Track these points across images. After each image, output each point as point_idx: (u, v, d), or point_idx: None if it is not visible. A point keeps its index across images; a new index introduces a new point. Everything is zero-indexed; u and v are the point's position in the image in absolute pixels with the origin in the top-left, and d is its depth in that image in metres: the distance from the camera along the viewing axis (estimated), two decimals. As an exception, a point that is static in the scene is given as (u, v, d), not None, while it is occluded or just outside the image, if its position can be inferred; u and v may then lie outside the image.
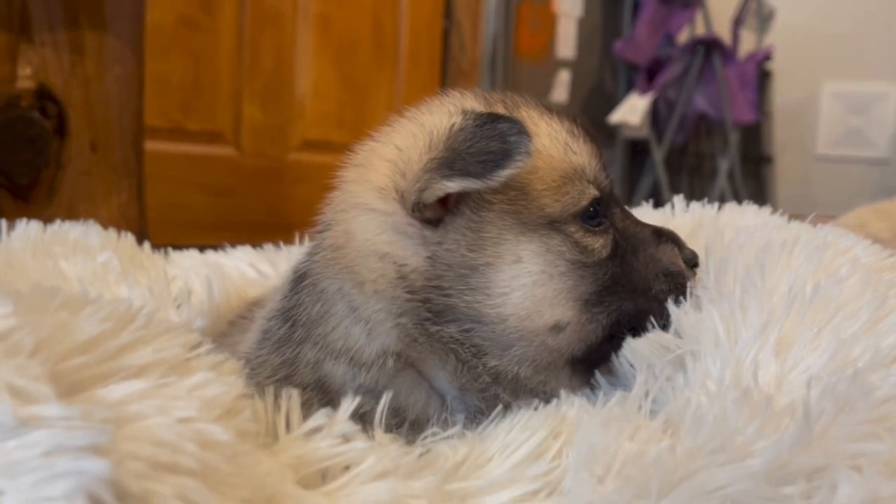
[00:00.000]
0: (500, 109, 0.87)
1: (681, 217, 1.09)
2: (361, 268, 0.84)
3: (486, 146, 0.76)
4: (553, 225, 0.82)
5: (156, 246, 1.42)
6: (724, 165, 4.48)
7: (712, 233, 0.93)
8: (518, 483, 0.67)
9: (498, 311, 0.80)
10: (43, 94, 1.82)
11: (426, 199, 0.79)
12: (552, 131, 0.86)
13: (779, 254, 0.81)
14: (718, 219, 1.05)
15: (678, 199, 1.12)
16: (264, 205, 3.66)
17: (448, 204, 0.82)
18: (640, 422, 0.71)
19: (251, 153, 3.72)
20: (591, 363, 0.84)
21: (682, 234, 1.02)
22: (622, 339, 0.83)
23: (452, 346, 0.82)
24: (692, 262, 0.88)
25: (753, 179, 4.90)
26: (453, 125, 0.79)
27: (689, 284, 0.86)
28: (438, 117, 0.83)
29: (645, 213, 1.16)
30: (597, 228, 0.84)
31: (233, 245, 1.44)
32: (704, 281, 0.84)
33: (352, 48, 3.98)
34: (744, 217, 1.04)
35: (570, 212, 0.83)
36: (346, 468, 0.66)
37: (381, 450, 0.69)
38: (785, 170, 4.97)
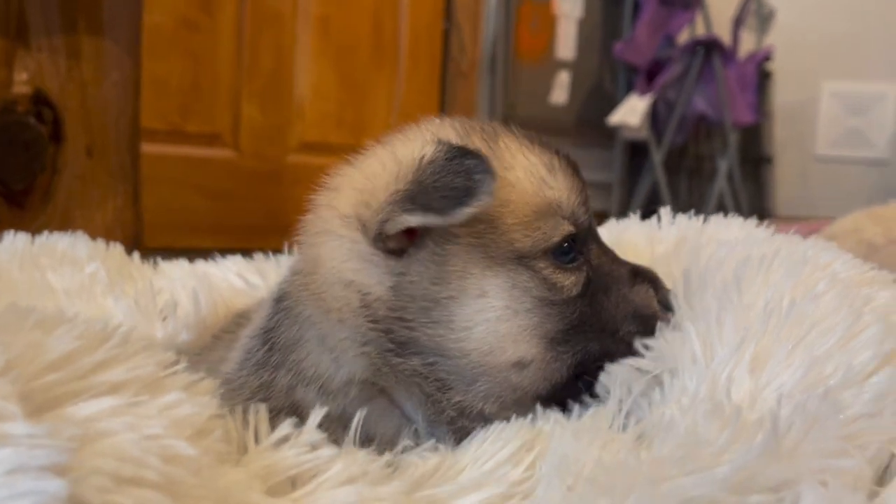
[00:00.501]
0: (478, 140, 0.85)
1: (667, 229, 1.09)
2: (328, 295, 0.83)
3: (451, 182, 0.75)
4: (522, 260, 0.81)
5: (147, 253, 1.42)
6: (723, 166, 4.47)
7: (694, 247, 0.93)
8: (488, 486, 0.68)
9: (460, 345, 0.79)
10: (39, 100, 1.83)
11: (388, 230, 0.78)
12: (529, 164, 0.84)
13: (757, 269, 0.81)
14: (703, 232, 1.04)
15: (665, 211, 1.12)
16: (263, 207, 3.68)
17: (413, 235, 0.80)
18: (613, 434, 0.71)
19: (250, 155, 3.72)
20: (559, 401, 0.83)
21: (667, 248, 1.03)
22: (591, 380, 0.82)
23: (416, 379, 0.81)
24: (667, 304, 0.86)
25: (753, 180, 4.89)
26: (423, 157, 0.78)
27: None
28: (411, 147, 0.82)
29: (632, 226, 1.16)
30: (569, 265, 0.83)
31: (223, 253, 1.43)
32: (681, 296, 0.84)
33: (352, 49, 3.99)
34: (728, 230, 1.04)
35: (541, 247, 0.81)
36: (315, 476, 0.66)
37: (349, 457, 0.70)
38: (785, 170, 4.96)
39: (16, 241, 1.23)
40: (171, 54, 3.40)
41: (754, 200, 4.76)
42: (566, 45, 4.74)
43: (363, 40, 4.02)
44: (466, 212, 0.74)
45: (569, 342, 0.81)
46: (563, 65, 4.78)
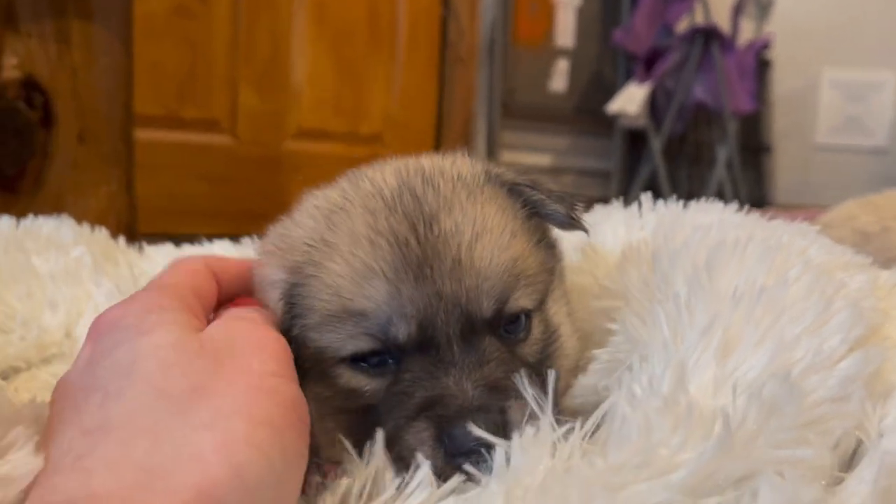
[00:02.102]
0: (324, 226, 0.81)
1: (647, 215, 1.09)
2: None
3: None
4: (322, 365, 0.78)
5: (144, 239, 1.42)
6: (722, 154, 4.46)
7: (669, 231, 0.92)
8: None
9: None
10: (29, 85, 1.83)
11: None
12: (338, 266, 0.78)
13: (730, 254, 0.81)
14: (682, 217, 1.04)
15: (646, 198, 1.12)
16: (261, 193, 3.67)
17: None
18: (561, 436, 0.67)
19: (247, 141, 3.72)
20: None
21: (645, 233, 1.02)
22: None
23: None
24: (451, 450, 0.70)
25: (753, 169, 4.88)
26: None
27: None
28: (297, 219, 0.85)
29: (614, 212, 1.15)
30: (372, 369, 0.77)
31: (221, 236, 1.44)
32: (653, 282, 0.84)
33: (348, 34, 3.98)
34: (707, 215, 1.03)
35: (337, 356, 0.77)
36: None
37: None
38: (784, 159, 4.95)
39: (1, 225, 1.23)
40: (167, 40, 3.40)
41: (754, 189, 4.75)
42: (565, 32, 4.72)
43: (360, 26, 4.01)
44: None
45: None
46: (562, 52, 4.76)
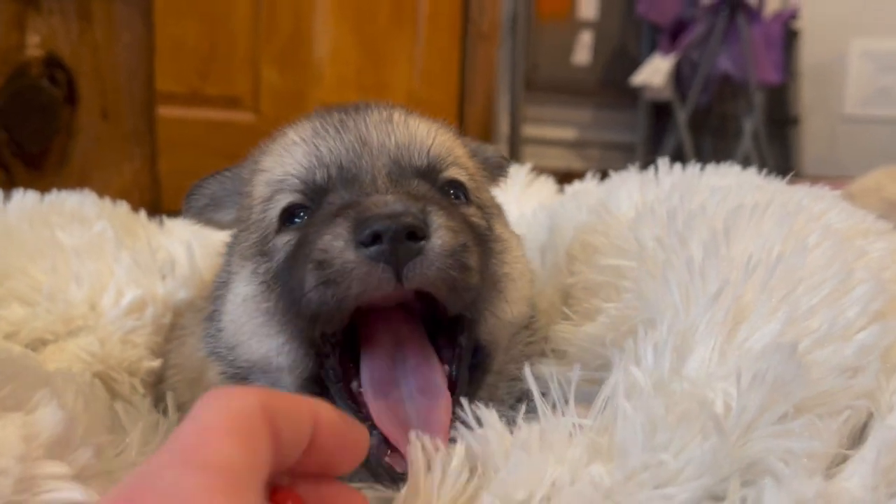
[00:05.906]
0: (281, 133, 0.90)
1: (664, 179, 1.07)
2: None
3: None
4: (265, 246, 0.80)
5: (154, 214, 1.44)
6: (748, 126, 4.40)
7: (686, 192, 0.91)
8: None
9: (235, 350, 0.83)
10: (52, 62, 1.84)
11: None
12: (275, 148, 0.85)
13: (748, 218, 0.79)
14: (699, 179, 1.02)
15: (662, 162, 1.10)
16: (283, 170, 3.67)
17: None
18: (568, 436, 0.64)
19: (270, 119, 3.72)
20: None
21: (658, 194, 1.00)
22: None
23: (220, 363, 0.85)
24: (365, 240, 0.65)
25: (779, 141, 4.80)
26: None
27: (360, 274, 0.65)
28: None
29: (630, 177, 1.14)
30: (290, 227, 0.78)
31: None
32: (668, 243, 0.82)
33: (370, 11, 3.95)
34: (725, 179, 1.01)
35: (272, 226, 0.79)
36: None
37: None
38: (812, 131, 4.87)
39: (25, 199, 1.24)
40: (188, 16, 3.40)
41: (780, 161, 4.68)
42: (588, 4, 4.67)
43: (382, 1, 3.99)
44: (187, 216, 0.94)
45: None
46: (585, 25, 4.71)
